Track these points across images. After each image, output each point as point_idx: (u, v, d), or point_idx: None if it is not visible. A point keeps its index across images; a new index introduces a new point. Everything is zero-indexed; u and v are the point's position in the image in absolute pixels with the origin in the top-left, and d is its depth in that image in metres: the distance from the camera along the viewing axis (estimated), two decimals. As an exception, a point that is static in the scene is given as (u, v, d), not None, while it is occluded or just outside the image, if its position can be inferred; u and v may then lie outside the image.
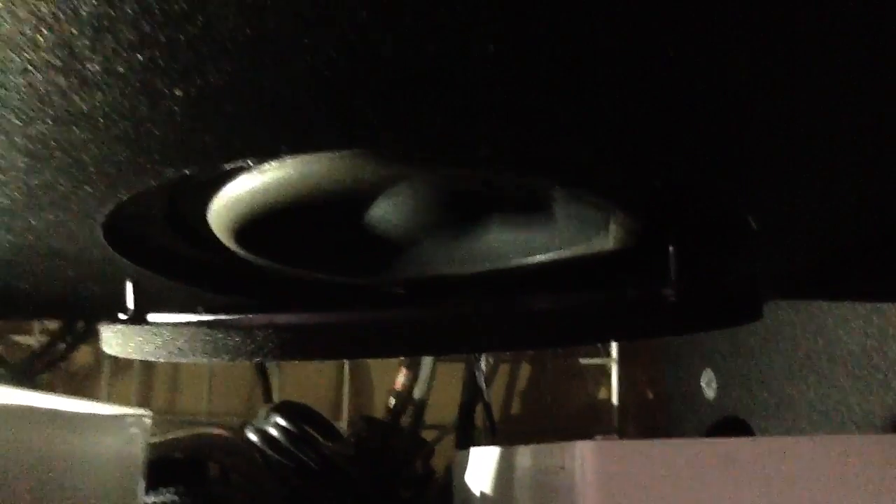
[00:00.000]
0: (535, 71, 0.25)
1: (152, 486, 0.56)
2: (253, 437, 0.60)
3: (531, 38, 0.23)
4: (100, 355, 0.94)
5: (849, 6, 0.22)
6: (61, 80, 0.25)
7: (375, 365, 0.94)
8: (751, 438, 0.45)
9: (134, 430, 0.43)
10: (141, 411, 0.45)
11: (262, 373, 0.88)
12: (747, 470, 0.36)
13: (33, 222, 0.39)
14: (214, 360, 0.32)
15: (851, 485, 0.37)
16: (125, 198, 0.36)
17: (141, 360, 0.94)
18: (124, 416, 0.44)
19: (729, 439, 0.37)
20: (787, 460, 0.37)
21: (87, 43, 0.23)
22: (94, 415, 0.42)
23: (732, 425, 0.72)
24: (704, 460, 0.36)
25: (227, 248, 0.46)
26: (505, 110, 0.29)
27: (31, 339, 0.94)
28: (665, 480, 0.36)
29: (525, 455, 0.45)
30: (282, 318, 0.33)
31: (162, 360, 0.34)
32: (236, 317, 0.35)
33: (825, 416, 0.60)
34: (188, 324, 0.34)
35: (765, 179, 0.36)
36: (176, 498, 0.55)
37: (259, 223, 0.42)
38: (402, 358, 0.83)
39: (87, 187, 0.34)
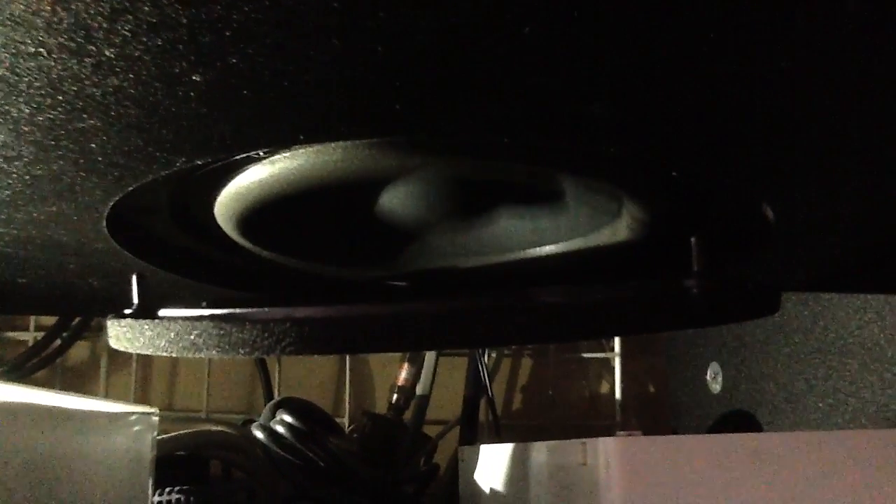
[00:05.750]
0: (558, 62, 0.25)
1: (156, 484, 0.55)
2: (259, 434, 0.59)
3: (556, 30, 0.23)
4: (97, 351, 0.93)
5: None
6: (74, 65, 0.24)
7: (376, 360, 0.93)
8: (779, 433, 0.44)
9: (141, 427, 0.42)
10: (147, 408, 0.44)
11: (263, 369, 0.87)
12: (775, 465, 0.36)
13: (35, 214, 0.38)
14: (230, 354, 0.31)
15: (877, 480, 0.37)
16: (131, 189, 0.35)
17: (139, 357, 0.93)
18: (131, 413, 0.43)
19: (756, 434, 0.37)
20: (818, 455, 0.36)
21: (105, 25, 0.22)
22: (101, 412, 0.41)
23: (739, 420, 0.72)
24: (730, 455, 0.35)
25: (231, 242, 0.45)
26: (527, 101, 0.28)
27: (27, 335, 0.93)
28: (689, 476, 0.35)
29: (541, 451, 0.44)
30: (301, 312, 0.32)
31: (175, 354, 0.33)
32: (253, 310, 0.34)
33: (836, 410, 0.59)
34: (200, 318, 0.33)
35: (785, 173, 0.36)
36: (181, 497, 0.54)
37: (266, 215, 0.41)
38: (404, 353, 0.83)
39: (93, 178, 0.33)
